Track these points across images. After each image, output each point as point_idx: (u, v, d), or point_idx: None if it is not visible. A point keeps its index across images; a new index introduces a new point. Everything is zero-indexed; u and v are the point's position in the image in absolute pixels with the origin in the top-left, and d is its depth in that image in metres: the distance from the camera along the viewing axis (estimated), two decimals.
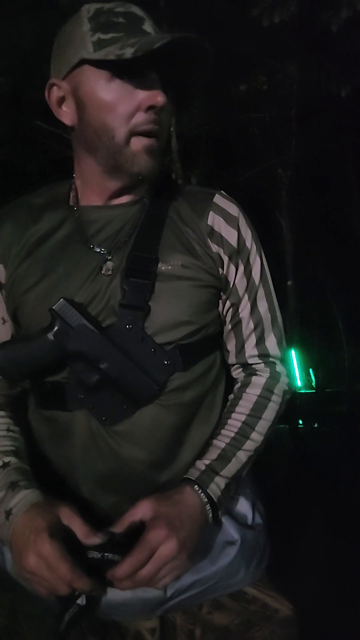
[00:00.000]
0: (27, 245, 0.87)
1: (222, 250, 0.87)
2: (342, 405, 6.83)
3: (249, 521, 0.90)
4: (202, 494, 0.78)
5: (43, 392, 0.86)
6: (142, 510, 0.74)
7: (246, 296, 0.90)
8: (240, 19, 4.07)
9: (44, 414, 0.86)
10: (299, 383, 8.11)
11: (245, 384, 0.91)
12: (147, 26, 0.80)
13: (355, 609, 1.88)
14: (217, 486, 0.80)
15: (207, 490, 0.79)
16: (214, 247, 0.86)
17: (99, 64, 0.77)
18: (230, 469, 0.83)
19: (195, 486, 0.79)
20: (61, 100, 0.83)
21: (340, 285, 6.79)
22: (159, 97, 0.78)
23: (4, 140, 4.74)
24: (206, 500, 0.78)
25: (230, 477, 0.82)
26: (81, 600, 0.71)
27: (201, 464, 0.82)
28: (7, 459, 0.82)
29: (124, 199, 0.88)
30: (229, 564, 0.83)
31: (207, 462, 0.82)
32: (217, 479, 0.81)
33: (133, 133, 0.79)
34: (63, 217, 0.88)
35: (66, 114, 0.83)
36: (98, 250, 0.85)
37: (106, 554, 0.70)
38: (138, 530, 0.72)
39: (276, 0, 3.83)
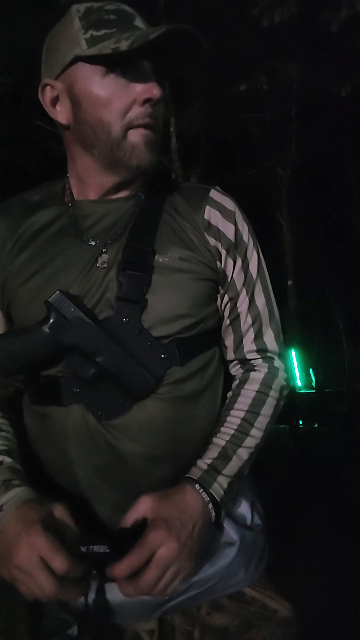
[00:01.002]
0: (21, 241, 0.86)
1: (219, 243, 0.87)
2: (342, 405, 6.83)
3: (248, 522, 0.89)
4: (204, 493, 0.77)
5: (37, 387, 0.85)
6: (143, 507, 0.73)
7: (244, 290, 0.90)
8: (240, 19, 4.08)
9: (37, 410, 0.86)
10: (299, 383, 8.11)
11: (244, 380, 0.90)
12: (138, 22, 0.80)
13: (355, 609, 1.88)
14: (219, 485, 0.79)
15: (210, 490, 0.78)
16: (212, 241, 0.86)
17: (93, 60, 0.77)
18: (232, 467, 0.82)
19: (197, 486, 0.78)
20: (55, 100, 0.83)
21: (340, 285, 6.79)
22: (154, 90, 0.78)
23: (4, 140, 4.74)
24: (208, 499, 0.77)
25: (232, 476, 0.81)
26: (72, 631, 0.70)
27: (203, 464, 0.81)
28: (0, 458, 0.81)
29: (120, 194, 0.88)
30: (228, 564, 0.82)
31: (208, 461, 0.81)
32: (220, 478, 0.80)
33: (130, 127, 0.79)
34: (57, 213, 0.88)
35: (61, 113, 0.83)
36: (92, 243, 0.84)
37: (91, 547, 0.69)
38: (137, 526, 0.71)
39: (276, 0, 3.83)
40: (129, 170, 0.83)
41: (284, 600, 0.84)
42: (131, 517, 0.73)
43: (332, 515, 2.73)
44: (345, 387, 7.14)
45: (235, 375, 0.93)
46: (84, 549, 0.69)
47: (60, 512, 0.73)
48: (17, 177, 4.86)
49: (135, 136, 0.80)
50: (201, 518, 0.75)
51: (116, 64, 0.77)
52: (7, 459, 0.81)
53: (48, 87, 0.83)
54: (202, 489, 0.77)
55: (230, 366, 0.95)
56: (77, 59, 0.78)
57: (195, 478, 0.79)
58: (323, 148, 5.42)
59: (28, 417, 0.90)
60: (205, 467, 0.81)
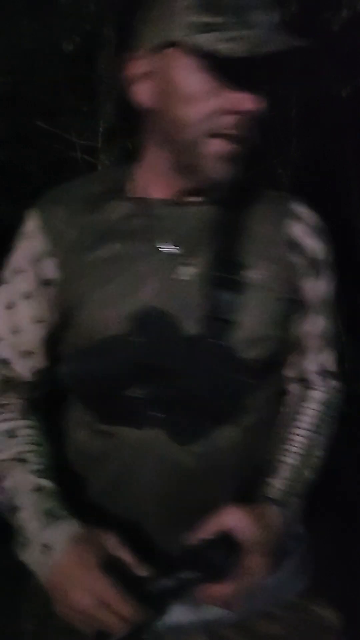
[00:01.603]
0: (89, 237, 0.77)
1: (302, 260, 0.81)
2: (342, 405, 6.85)
3: (295, 532, 0.89)
4: (284, 514, 0.76)
5: (108, 405, 0.78)
6: (229, 520, 0.70)
7: (316, 310, 0.86)
8: None
9: (102, 428, 0.79)
10: None
11: (304, 399, 0.89)
12: (256, 15, 0.67)
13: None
14: (293, 505, 0.79)
15: (288, 511, 0.77)
16: (294, 257, 0.81)
17: (192, 49, 0.66)
18: (302, 487, 0.81)
19: (278, 507, 0.76)
20: (139, 78, 0.72)
21: (340, 285, 6.80)
22: (249, 103, 0.67)
23: (4, 140, 4.72)
24: (285, 520, 0.76)
25: (300, 496, 0.81)
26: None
27: (279, 483, 0.79)
28: (39, 482, 0.75)
29: (196, 198, 0.79)
30: (283, 575, 0.81)
31: (284, 480, 0.79)
32: (294, 498, 0.79)
33: (211, 134, 0.69)
34: (128, 211, 0.78)
35: (140, 94, 0.73)
36: (172, 251, 0.76)
37: (181, 577, 0.66)
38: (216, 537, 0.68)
39: (276, 0, 3.83)
40: (201, 179, 0.74)
41: (330, 607, 0.84)
42: (214, 527, 0.69)
43: (331, 514, 2.74)
44: (345, 387, 7.17)
45: (291, 391, 0.91)
46: (171, 582, 0.66)
47: (113, 545, 0.68)
48: (17, 177, 4.84)
49: (215, 146, 0.69)
50: (280, 539, 0.74)
51: (215, 61, 0.65)
52: (44, 482, 0.75)
53: (135, 62, 0.71)
54: (283, 511, 0.76)
55: (287, 382, 0.92)
56: (176, 42, 0.66)
57: (277, 499, 0.77)
58: (323, 148, 5.43)
59: (83, 432, 0.82)
60: (282, 487, 0.78)
